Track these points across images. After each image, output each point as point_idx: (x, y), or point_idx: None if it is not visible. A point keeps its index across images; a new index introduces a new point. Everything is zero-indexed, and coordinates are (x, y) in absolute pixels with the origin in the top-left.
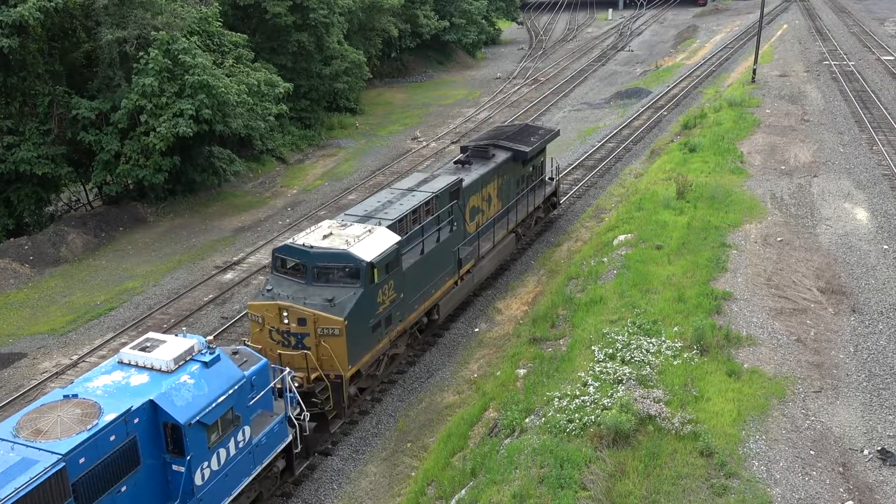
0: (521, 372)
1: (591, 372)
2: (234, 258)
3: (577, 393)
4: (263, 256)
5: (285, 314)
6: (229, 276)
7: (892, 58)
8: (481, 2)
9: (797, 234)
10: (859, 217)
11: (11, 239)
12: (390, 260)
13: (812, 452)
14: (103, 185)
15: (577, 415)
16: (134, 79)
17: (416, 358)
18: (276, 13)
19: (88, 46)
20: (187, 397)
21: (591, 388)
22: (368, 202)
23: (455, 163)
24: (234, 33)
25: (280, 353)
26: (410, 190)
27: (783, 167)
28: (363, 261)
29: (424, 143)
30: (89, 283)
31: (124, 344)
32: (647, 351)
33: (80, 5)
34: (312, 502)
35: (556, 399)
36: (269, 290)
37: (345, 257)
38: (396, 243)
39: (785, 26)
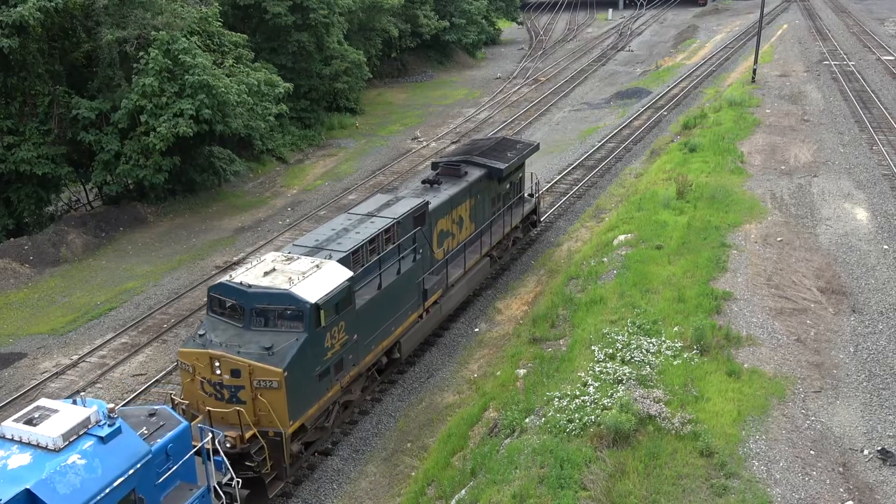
0: (521, 372)
1: (591, 372)
2: (235, 258)
3: (577, 393)
4: (263, 257)
5: (217, 364)
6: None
7: (892, 58)
8: (481, 2)
9: (797, 234)
10: (859, 217)
11: (11, 239)
12: (341, 298)
13: (812, 452)
14: (103, 185)
15: (577, 415)
16: (134, 79)
17: (417, 358)
18: (276, 13)
19: (88, 46)
20: (74, 483)
21: (591, 388)
22: (321, 230)
23: (423, 182)
24: (234, 33)
25: (209, 410)
26: (370, 215)
27: (783, 167)
28: (307, 302)
29: (424, 143)
30: (89, 283)
31: (125, 344)
32: (647, 351)
33: (80, 5)
34: (312, 502)
35: (556, 399)
36: (200, 335)
37: (286, 298)
38: (348, 279)
39: (785, 26)
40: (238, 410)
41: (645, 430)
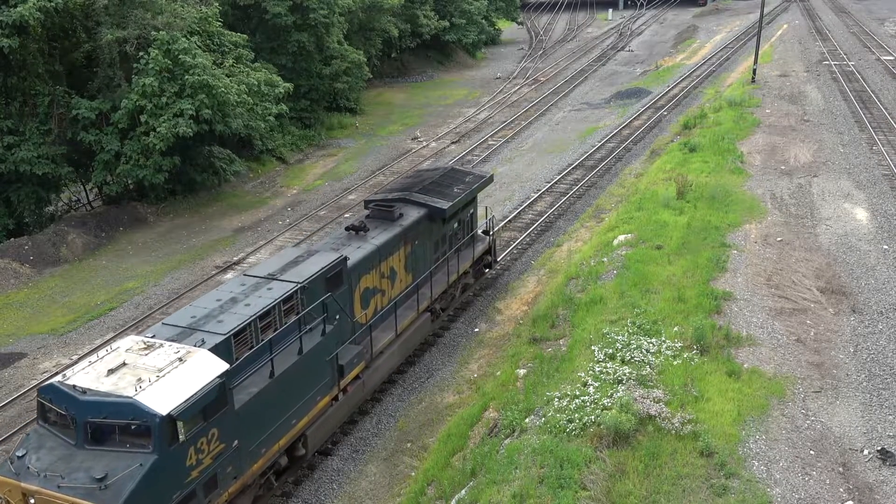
0: (521, 372)
1: (591, 372)
2: (235, 258)
3: (577, 393)
4: (263, 256)
5: (32, 501)
6: (229, 276)
7: (892, 58)
8: (481, 2)
9: (797, 234)
10: (859, 217)
11: (11, 239)
12: (209, 402)
13: (812, 452)
14: (103, 185)
15: (577, 415)
16: (134, 79)
17: (416, 358)
18: (276, 13)
19: (88, 46)
20: None
21: (591, 388)
22: (203, 301)
23: (348, 229)
24: (234, 33)
25: None
26: (269, 278)
27: (783, 167)
28: (156, 414)
29: (424, 143)
30: (89, 283)
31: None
32: (647, 351)
33: (80, 5)
34: (312, 502)
35: (556, 399)
36: (19, 457)
37: (129, 408)
38: (221, 375)
39: (785, 26)
40: None
41: (645, 430)
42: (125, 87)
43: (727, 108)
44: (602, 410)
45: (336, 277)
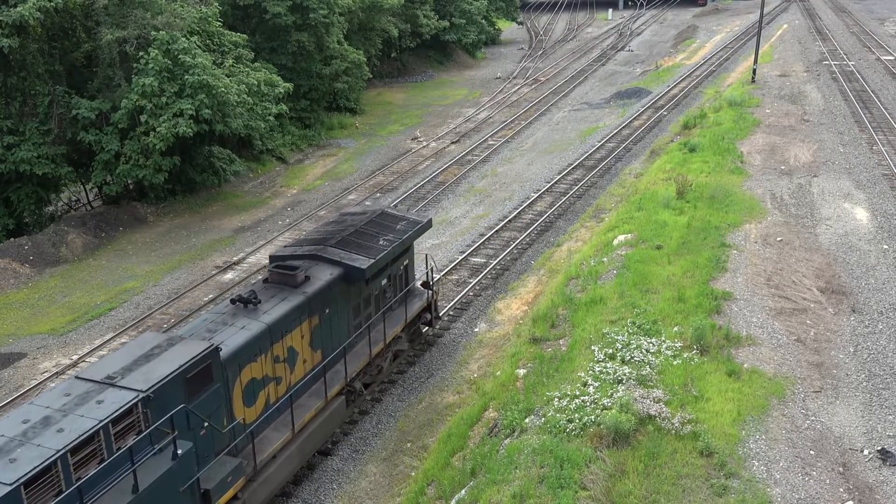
0: (521, 372)
1: (591, 372)
2: (234, 258)
3: (577, 393)
4: (263, 256)
5: None
6: (229, 276)
7: (892, 58)
8: (481, 2)
9: (797, 234)
10: (859, 217)
11: (11, 239)
12: None
13: (812, 452)
14: (103, 185)
15: (577, 415)
16: (134, 79)
17: (417, 358)
18: (276, 13)
19: (88, 46)
20: None
21: (591, 388)
22: (4, 424)
23: (234, 302)
24: (234, 33)
25: None
26: (106, 383)
27: (783, 167)
28: None
29: (424, 143)
30: (89, 283)
31: (124, 344)
32: (647, 351)
33: (80, 5)
34: (312, 502)
35: (556, 399)
36: None
37: None
38: None
39: (785, 26)
40: None
41: (645, 430)
42: (125, 87)
43: (727, 108)
44: (602, 410)
45: (202, 375)
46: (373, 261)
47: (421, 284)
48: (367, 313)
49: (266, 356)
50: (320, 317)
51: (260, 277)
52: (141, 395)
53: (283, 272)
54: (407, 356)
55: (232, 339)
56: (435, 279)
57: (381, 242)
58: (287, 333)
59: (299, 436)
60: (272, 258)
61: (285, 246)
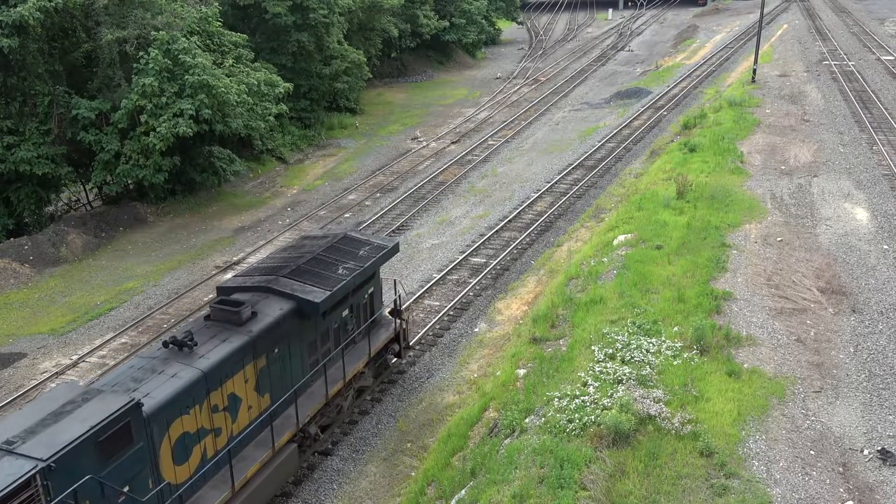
0: (521, 372)
1: (591, 372)
2: (234, 258)
3: (577, 393)
4: (263, 257)
5: None
6: (229, 276)
7: (892, 58)
8: (481, 2)
9: (797, 234)
10: (859, 217)
11: (11, 239)
12: None
13: (812, 452)
14: (103, 185)
15: (577, 415)
16: (134, 79)
17: (417, 358)
18: (276, 13)
19: (88, 46)
20: None
21: (591, 388)
22: None
23: (166, 345)
24: (234, 33)
25: None
26: (3, 450)
27: (783, 167)
28: None
29: (424, 143)
30: (89, 283)
31: (125, 344)
32: (647, 351)
33: (80, 5)
34: (312, 502)
35: (556, 399)
36: None
37: None
38: None
39: (785, 26)
40: None
41: (645, 430)
42: (125, 87)
43: (727, 107)
44: (602, 410)
45: (118, 436)
46: (329, 293)
47: (389, 312)
48: (324, 349)
49: (201, 406)
50: (268, 357)
51: (201, 314)
52: (40, 466)
53: (225, 308)
54: (371, 392)
55: (160, 389)
56: (404, 306)
57: (340, 271)
58: (228, 379)
59: (241, 493)
60: (219, 289)
61: (235, 276)
